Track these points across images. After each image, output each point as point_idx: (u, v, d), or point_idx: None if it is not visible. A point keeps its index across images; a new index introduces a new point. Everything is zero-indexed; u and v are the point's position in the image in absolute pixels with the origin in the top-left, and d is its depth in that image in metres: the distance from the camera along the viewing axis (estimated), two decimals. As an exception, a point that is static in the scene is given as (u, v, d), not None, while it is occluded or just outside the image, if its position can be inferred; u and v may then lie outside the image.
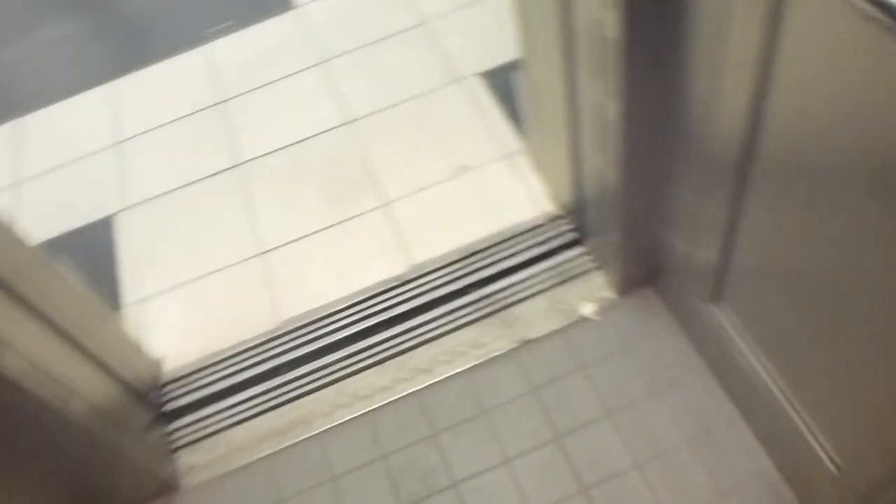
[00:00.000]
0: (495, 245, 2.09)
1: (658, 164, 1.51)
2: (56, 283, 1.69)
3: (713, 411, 1.71)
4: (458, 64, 2.61)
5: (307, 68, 2.78)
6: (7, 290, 1.46)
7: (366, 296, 2.09)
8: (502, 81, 2.48)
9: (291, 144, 2.54)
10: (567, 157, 1.83)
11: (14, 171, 2.78)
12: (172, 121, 2.77)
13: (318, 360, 2.00)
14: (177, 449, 1.95)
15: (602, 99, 1.43)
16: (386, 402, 1.89)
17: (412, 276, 2.09)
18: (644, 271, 1.88)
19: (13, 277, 1.48)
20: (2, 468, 1.47)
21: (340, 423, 1.88)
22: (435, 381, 1.89)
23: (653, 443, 1.71)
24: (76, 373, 1.62)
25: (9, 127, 2.95)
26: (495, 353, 1.90)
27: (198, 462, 1.91)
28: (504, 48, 2.53)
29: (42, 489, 1.59)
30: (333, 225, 2.29)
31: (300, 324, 2.07)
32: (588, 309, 1.92)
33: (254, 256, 2.27)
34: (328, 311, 2.08)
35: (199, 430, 1.96)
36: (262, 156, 2.54)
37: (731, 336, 1.54)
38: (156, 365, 2.09)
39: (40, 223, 2.51)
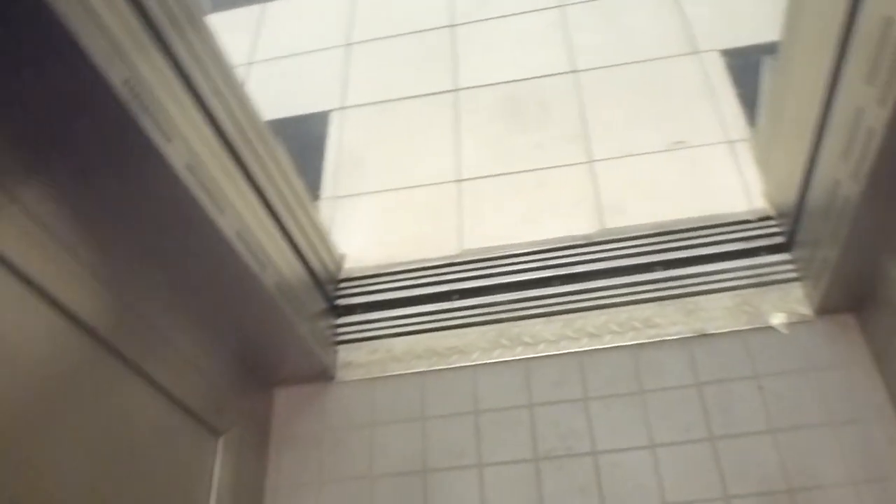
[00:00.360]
0: (694, 229, 2.00)
1: (907, 186, 1.38)
2: (272, 159, 1.79)
3: (890, 463, 1.58)
4: (700, 36, 2.48)
5: (543, 9, 2.74)
6: (233, 152, 1.56)
7: (549, 247, 2.08)
8: (743, 63, 2.33)
9: (511, 81, 2.54)
10: (801, 157, 1.70)
11: (250, 51, 2.96)
12: (402, 34, 2.83)
13: (490, 296, 2.02)
14: (339, 343, 2.05)
15: (869, 104, 1.31)
16: (546, 354, 1.89)
17: (600, 240, 2.06)
18: (850, 296, 1.74)
19: (240, 141, 1.59)
20: (200, 313, 1.61)
21: (496, 362, 1.91)
22: (600, 347, 1.86)
23: (813, 474, 1.60)
24: (273, 247, 1.72)
25: (255, 9, 3.13)
26: (667, 337, 1.84)
27: (355, 360, 2.01)
28: (755, 29, 2.39)
29: (222, 342, 1.72)
30: (533, 170, 2.28)
31: (480, 257, 2.10)
32: (777, 319, 1.81)
33: (450, 182, 2.31)
34: (510, 252, 2.09)
35: (364, 331, 2.06)
36: (480, 86, 2.56)
37: (939, 390, 1.40)
38: (338, 260, 2.20)
39: (262, 105, 2.66)
